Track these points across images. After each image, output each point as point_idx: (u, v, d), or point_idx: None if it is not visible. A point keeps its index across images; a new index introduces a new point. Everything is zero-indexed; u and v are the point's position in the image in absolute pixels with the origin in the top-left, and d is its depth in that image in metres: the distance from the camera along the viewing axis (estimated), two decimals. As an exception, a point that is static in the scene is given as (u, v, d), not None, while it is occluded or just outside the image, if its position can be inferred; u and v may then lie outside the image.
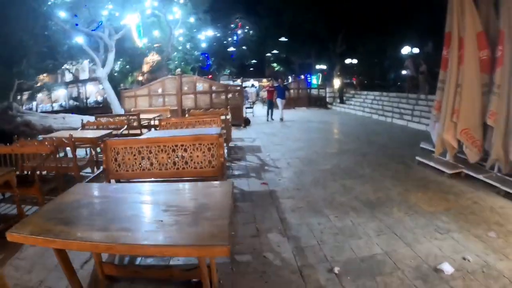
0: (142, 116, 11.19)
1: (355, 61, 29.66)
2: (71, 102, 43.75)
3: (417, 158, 7.10)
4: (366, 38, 25.05)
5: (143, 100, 15.06)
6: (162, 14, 18.74)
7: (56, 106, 49.58)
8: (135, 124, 10.05)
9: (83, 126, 9.24)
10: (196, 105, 14.41)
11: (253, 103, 19.53)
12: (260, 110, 22.34)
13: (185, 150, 4.05)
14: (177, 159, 4.08)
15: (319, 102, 23.33)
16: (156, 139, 4.22)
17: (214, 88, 14.44)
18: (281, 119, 15.35)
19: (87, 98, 35.43)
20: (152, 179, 4.32)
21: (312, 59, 31.33)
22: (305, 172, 6.74)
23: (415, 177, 6.22)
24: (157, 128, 7.82)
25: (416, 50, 25.83)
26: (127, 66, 24.42)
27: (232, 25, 36.73)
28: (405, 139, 10.42)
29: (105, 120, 9.84)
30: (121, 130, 8.71)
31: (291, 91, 23.43)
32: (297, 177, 6.35)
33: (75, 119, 12.31)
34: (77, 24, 14.40)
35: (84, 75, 48.87)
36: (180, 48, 26.02)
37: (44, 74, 43.80)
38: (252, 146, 9.68)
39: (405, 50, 26.25)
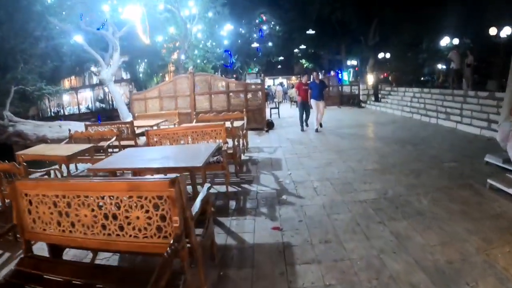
0: (142, 123, 9.65)
1: (387, 55, 27.16)
2: (97, 104, 43.58)
3: (489, 181, 5.06)
4: (401, 29, 22.69)
5: (153, 103, 13.60)
6: (176, 9, 17.17)
7: (83, 109, 49.78)
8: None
9: (70, 138, 7.78)
10: (211, 107, 12.75)
11: (279, 102, 17.51)
12: (287, 110, 20.46)
13: (118, 207, 2.26)
14: (107, 221, 2.30)
15: (352, 101, 21.17)
16: (73, 184, 2.44)
17: (231, 87, 12.67)
18: (317, 130, 11.55)
19: (113, 100, 34.69)
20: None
21: (342, 53, 29.12)
22: (337, 205, 4.81)
23: (493, 213, 4.26)
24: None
25: (456, 41, 23.35)
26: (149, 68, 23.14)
27: (256, 21, 34.77)
28: (459, 147, 8.30)
29: (94, 130, 8.33)
30: (108, 142, 7.15)
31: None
32: (327, 216, 4.44)
33: (73, 127, 10.92)
34: (81, 20, 13.03)
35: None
36: (200, 46, 24.52)
37: (72, 77, 44.05)
38: (271, 159, 7.81)
39: (444, 41, 23.85)
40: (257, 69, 45.22)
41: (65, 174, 6.01)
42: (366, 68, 24.79)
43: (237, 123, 7.48)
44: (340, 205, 4.80)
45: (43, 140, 10.22)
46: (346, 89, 22.40)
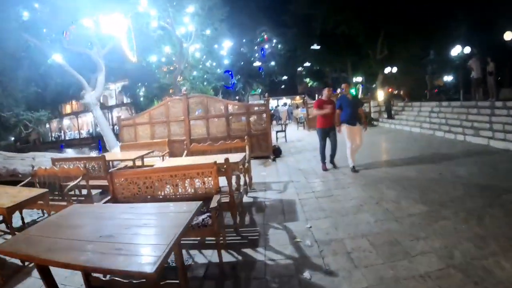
0: (126, 155, 8.07)
1: (394, 69, 25.56)
2: (98, 129, 42.16)
3: None
4: (408, 40, 21.22)
5: (143, 130, 12.05)
6: (170, 26, 15.80)
7: (84, 133, 48.44)
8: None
9: (34, 176, 6.24)
10: (208, 133, 11.15)
11: (285, 125, 15.89)
12: (294, 132, 18.83)
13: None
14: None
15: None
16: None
17: (231, 109, 11.06)
18: (353, 168, 7.97)
19: (114, 125, 33.34)
20: None
21: (348, 70, 27.63)
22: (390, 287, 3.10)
23: None
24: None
25: (467, 50, 21.91)
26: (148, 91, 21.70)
27: (257, 40, 33.56)
28: (506, 170, 6.75)
29: (60, 166, 6.76)
30: (71, 184, 5.56)
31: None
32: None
33: (47, 159, 9.38)
34: (62, 36, 11.57)
35: (112, 101, 47.65)
36: (200, 66, 23.15)
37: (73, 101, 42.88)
38: (282, 201, 6.05)
39: (456, 50, 22.36)
40: (260, 90, 43.93)
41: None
42: (376, 84, 23.29)
43: (236, 157, 5.81)
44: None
45: (14, 174, 8.76)
46: (356, 106, 20.72)
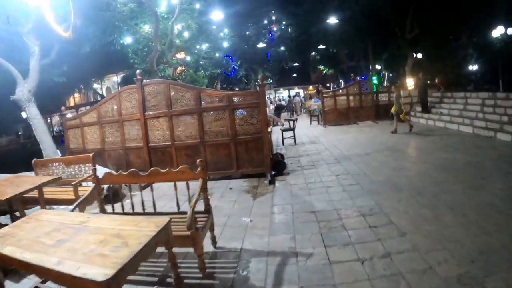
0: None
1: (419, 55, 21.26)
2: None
3: None
4: (444, 16, 17.04)
5: (92, 133, 8.59)
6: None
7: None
8: None
9: None
10: (173, 137, 7.45)
11: (295, 120, 11.99)
12: (305, 129, 15.02)
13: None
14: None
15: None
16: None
17: (206, 101, 7.28)
18: None
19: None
20: None
21: (368, 55, 23.38)
22: None
23: None
24: None
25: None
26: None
27: (265, 21, 29.25)
28: None
29: None
30: None
31: (350, 97, 15.92)
32: None
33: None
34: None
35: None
36: (196, 51, 19.32)
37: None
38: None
39: (498, 31, 18.35)
40: (271, 80, 39.63)
41: None
42: (405, 69, 19.17)
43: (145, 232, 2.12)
44: None
45: None
46: (383, 97, 16.70)
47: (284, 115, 27.85)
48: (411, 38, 18.39)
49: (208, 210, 3.88)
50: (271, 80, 40.46)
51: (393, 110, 12.43)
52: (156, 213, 4.18)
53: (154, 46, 13.45)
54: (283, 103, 32.14)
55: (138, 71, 7.79)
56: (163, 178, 3.96)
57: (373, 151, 8.75)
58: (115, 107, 8.18)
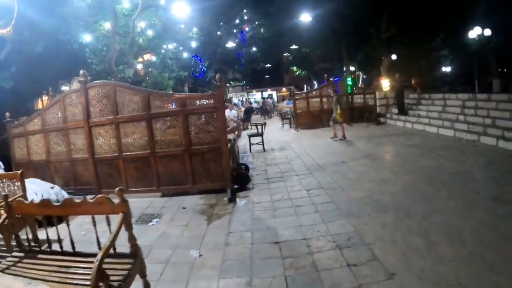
0: None
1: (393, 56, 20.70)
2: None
3: None
4: (419, 16, 16.56)
5: (37, 142, 7.52)
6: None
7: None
8: None
9: None
10: (120, 148, 6.38)
11: (263, 125, 10.96)
12: (276, 132, 14.15)
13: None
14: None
15: (368, 115, 14.81)
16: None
17: (156, 105, 6.20)
18: None
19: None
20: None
21: (343, 55, 22.67)
22: None
23: None
24: None
25: (488, 32, 17.71)
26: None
27: (236, 21, 28.14)
28: None
29: None
30: None
31: (323, 99, 15.05)
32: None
33: None
34: None
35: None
36: (163, 51, 18.19)
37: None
38: None
39: (474, 32, 18.11)
40: (244, 82, 38.56)
41: None
42: (381, 70, 18.61)
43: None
44: None
45: None
46: (358, 99, 15.98)
47: (257, 117, 26.93)
48: (386, 38, 17.85)
49: (134, 253, 2.87)
50: (244, 82, 39.47)
51: (339, 114, 11.53)
52: (75, 254, 3.15)
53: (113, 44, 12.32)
54: (255, 105, 31.19)
55: (81, 71, 6.67)
56: (78, 211, 3.02)
57: (350, 159, 7.86)
58: (60, 113, 7.10)
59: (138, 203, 5.79)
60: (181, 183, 6.08)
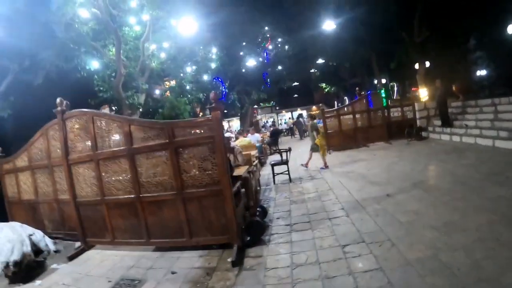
0: None
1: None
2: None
3: None
4: (453, 14, 14.86)
5: (25, 180, 6.73)
6: (99, 11, 10.06)
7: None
8: None
9: None
10: (102, 191, 5.10)
11: (288, 151, 9.05)
12: (307, 154, 11.89)
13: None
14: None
15: (408, 130, 12.95)
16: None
17: (137, 137, 4.84)
18: None
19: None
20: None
21: (373, 66, 21.10)
22: None
23: None
24: None
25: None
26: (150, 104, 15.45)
27: (258, 40, 26.98)
28: None
29: None
30: None
31: (356, 116, 13.42)
32: None
33: None
34: None
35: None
36: (181, 75, 17.24)
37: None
38: None
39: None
40: (273, 102, 37.47)
41: None
42: (417, 78, 16.84)
43: None
44: None
45: None
46: (395, 112, 14.13)
47: (288, 138, 25.30)
48: (420, 41, 16.16)
49: None
50: (273, 103, 38.39)
51: (317, 141, 9.96)
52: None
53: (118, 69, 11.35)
54: (285, 126, 29.74)
55: (58, 99, 5.52)
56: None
57: (396, 191, 6.11)
58: (43, 148, 6.03)
59: (125, 259, 4.64)
60: (175, 235, 4.68)
